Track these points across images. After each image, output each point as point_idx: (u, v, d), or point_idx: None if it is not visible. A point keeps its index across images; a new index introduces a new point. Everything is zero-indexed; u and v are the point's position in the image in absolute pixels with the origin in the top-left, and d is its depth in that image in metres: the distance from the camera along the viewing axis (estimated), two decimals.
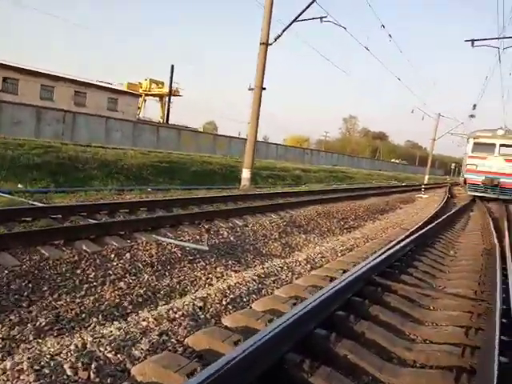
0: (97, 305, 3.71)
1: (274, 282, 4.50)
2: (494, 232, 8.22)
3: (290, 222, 8.64)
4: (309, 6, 14.21)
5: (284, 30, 14.70)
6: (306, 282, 4.40)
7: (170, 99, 45.97)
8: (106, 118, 25.94)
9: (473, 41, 14.13)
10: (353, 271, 4.19)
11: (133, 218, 6.85)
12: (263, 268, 5.01)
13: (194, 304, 3.57)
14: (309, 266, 5.30)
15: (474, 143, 19.70)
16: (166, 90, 47.59)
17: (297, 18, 14.51)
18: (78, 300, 3.77)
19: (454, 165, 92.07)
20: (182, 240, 6.00)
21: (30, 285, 3.90)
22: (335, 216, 10.32)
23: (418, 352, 2.94)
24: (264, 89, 15.10)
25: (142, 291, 4.17)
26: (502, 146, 18.74)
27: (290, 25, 14.68)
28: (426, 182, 39.74)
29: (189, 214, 7.49)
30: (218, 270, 5.25)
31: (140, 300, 4.00)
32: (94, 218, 6.49)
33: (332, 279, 4.45)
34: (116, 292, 4.01)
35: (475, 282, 4.88)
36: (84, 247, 4.98)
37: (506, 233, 8.75)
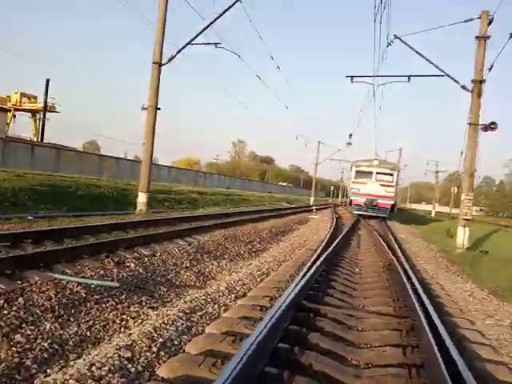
0: None
1: (201, 318, 4.12)
2: (387, 249, 8.99)
3: (199, 249, 8.26)
4: (203, 31, 14.32)
5: (178, 52, 14.52)
6: (236, 313, 4.13)
7: (45, 115, 41.71)
8: None
9: (352, 77, 15.79)
10: (282, 299, 4.05)
11: (20, 253, 5.77)
12: (185, 302, 4.58)
13: (119, 355, 3.02)
14: (232, 295, 5.03)
15: (356, 171, 23.58)
16: (39, 105, 43.14)
17: (190, 41, 14.48)
18: None
19: (332, 187, 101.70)
20: (83, 277, 5.22)
21: None
22: (241, 239, 10.25)
23: (368, 378, 2.90)
24: (159, 109, 14.61)
25: (46, 344, 3.43)
26: (377, 173, 22.89)
27: (184, 47, 14.56)
28: (311, 203, 42.99)
29: (86, 245, 6.61)
30: (131, 308, 4.64)
31: (45, 356, 3.27)
32: None
33: (262, 308, 4.27)
34: (14, 349, 3.22)
35: (389, 298, 5.18)
36: None
37: (397, 249, 9.71)
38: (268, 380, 2.65)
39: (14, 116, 43.18)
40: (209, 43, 14.53)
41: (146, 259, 6.70)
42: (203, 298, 4.75)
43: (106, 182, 19.41)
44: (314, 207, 27.15)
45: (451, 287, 6.51)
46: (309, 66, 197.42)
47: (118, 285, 4.89)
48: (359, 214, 22.40)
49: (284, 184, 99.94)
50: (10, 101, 42.62)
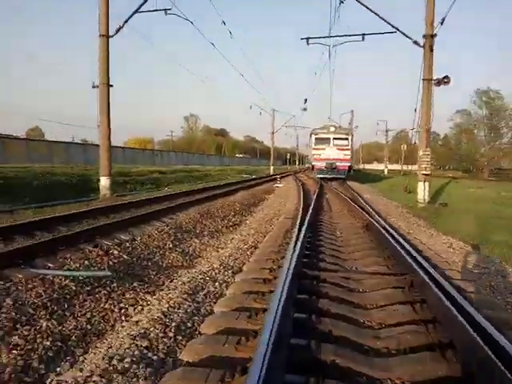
0: None
1: (206, 297, 4.05)
2: (358, 209, 9.25)
3: (177, 228, 8.09)
4: None
5: (125, 22, 13.67)
6: (240, 289, 4.09)
7: None
8: None
9: (307, 39, 15.65)
10: (284, 269, 4.04)
11: None
12: (184, 284, 4.48)
13: (136, 344, 2.91)
14: (229, 271, 4.97)
15: (315, 138, 25.35)
16: None
17: (138, 9, 13.67)
18: None
19: (288, 155, 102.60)
20: (69, 269, 4.95)
21: None
22: (217, 215, 10.15)
23: (388, 339, 2.97)
24: (111, 86, 13.82)
25: (47, 343, 3.24)
26: (334, 139, 24.83)
27: (132, 16, 13.73)
28: (272, 173, 43.19)
29: (63, 236, 6.25)
30: (127, 296, 4.50)
31: (50, 354, 3.10)
32: None
33: (265, 280, 4.26)
34: (15, 352, 3.01)
35: (378, 257, 5.34)
36: None
37: (367, 208, 10.00)
38: (297, 349, 2.65)
39: None
40: (158, 10, 13.73)
41: (127, 244, 6.48)
42: (201, 277, 4.67)
43: (61, 169, 18.37)
44: (278, 176, 27.30)
45: (429, 241, 6.82)
46: (262, 36, 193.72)
47: (109, 273, 4.69)
48: (321, 178, 23.91)
49: (241, 156, 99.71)
50: None
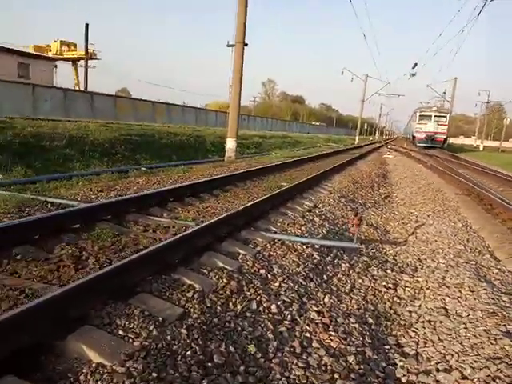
0: None
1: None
2: None
3: (343, 193, 7.78)
4: None
5: None
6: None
7: (87, 63, 40.73)
8: (33, 86, 21.81)
9: None
10: None
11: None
12: None
13: None
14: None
15: (419, 115, 33.17)
16: (80, 52, 42.13)
17: None
18: None
19: (366, 125, 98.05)
20: (306, 236, 4.76)
21: None
22: (364, 185, 9.69)
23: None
24: (246, 45, 13.52)
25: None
26: (435, 116, 32.41)
27: None
28: (356, 143, 41.63)
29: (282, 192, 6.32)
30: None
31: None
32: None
33: None
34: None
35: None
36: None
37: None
38: None
39: (56, 66, 42.53)
40: None
41: (320, 210, 6.25)
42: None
43: (180, 130, 18.89)
44: (393, 148, 26.26)
45: None
46: None
47: (359, 245, 4.42)
48: (422, 146, 30.68)
49: (318, 124, 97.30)
50: (50, 50, 41.74)
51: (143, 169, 9.96)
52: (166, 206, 5.52)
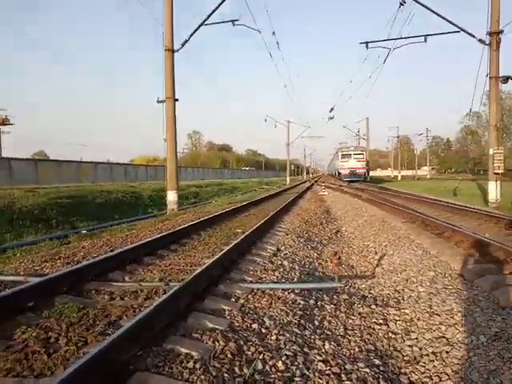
0: None
1: None
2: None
3: (299, 234, 7.80)
4: (218, 7, 13.44)
5: (191, 35, 13.57)
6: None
7: None
8: None
9: (367, 43, 15.61)
10: None
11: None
12: None
13: None
14: None
15: (341, 154, 39.63)
16: None
17: (205, 20, 13.56)
18: None
19: (292, 166, 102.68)
20: (284, 282, 4.61)
21: None
22: (313, 223, 9.86)
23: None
24: (177, 100, 13.65)
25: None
26: (354, 154, 38.54)
27: (198, 29, 13.64)
28: (288, 184, 43.53)
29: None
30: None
31: None
32: None
33: None
34: None
35: None
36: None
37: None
38: None
39: None
40: (225, 21, 13.61)
41: (284, 253, 6.15)
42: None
43: (112, 187, 18.06)
44: (323, 185, 27.32)
45: None
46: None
47: (341, 284, 4.34)
48: (347, 181, 35.31)
49: (247, 168, 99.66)
50: None
51: (83, 232, 9.22)
52: (125, 268, 5.07)
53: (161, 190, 21.03)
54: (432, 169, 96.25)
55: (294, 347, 3.05)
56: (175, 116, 13.44)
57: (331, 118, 31.46)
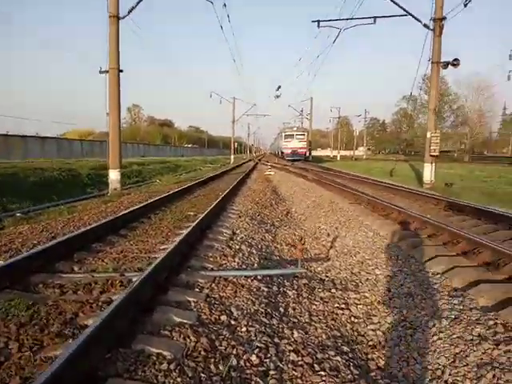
0: None
1: None
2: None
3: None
4: None
5: (139, 1, 12.65)
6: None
7: None
8: None
9: (318, 21, 15.62)
10: None
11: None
12: None
13: None
14: None
15: (285, 135, 40.99)
16: None
17: None
18: None
19: (236, 144, 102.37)
20: (246, 268, 4.53)
21: None
22: (263, 204, 9.89)
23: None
24: (121, 71, 12.77)
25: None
26: (296, 135, 40.16)
27: None
28: (232, 162, 43.45)
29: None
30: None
31: None
32: None
33: None
34: None
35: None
36: None
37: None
38: None
39: None
40: None
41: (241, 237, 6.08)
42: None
43: (46, 164, 16.72)
44: (269, 164, 27.42)
45: None
46: None
47: (304, 270, 4.35)
48: (289, 160, 36.46)
49: (190, 146, 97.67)
50: None
51: (18, 215, 8.45)
52: (73, 257, 4.71)
53: (100, 168, 19.94)
54: (368, 149, 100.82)
55: (265, 338, 3.01)
56: (119, 88, 12.61)
57: (278, 97, 31.58)
